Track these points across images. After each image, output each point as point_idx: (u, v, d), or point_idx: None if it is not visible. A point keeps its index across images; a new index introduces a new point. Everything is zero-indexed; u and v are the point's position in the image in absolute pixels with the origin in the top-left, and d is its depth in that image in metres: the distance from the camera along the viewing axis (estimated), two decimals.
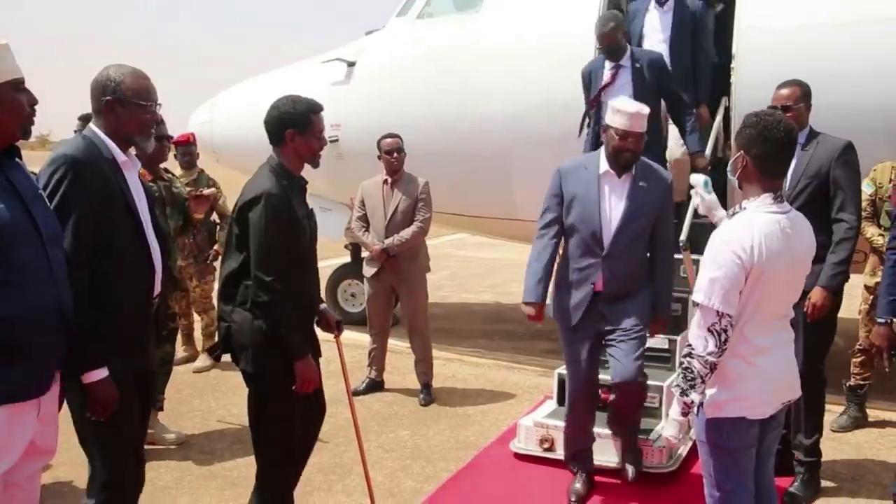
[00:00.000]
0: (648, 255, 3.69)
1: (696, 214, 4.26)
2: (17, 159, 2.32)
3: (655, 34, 5.21)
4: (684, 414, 2.55)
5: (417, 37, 6.53)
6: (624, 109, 3.47)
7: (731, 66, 5.03)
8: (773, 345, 2.54)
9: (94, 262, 2.53)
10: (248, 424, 3.16)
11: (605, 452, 4.04)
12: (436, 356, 5.75)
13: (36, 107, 2.34)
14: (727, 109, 5.00)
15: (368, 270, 5.46)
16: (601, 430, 4.03)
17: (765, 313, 2.49)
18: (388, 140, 5.29)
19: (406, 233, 5.25)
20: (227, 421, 4.94)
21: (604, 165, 3.59)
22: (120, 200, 2.63)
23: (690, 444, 4.26)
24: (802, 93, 3.75)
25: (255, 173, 3.12)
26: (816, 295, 3.58)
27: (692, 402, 2.51)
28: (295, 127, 3.05)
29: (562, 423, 4.02)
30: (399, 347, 6.04)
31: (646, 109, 3.55)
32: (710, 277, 2.44)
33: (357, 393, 5.28)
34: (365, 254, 5.47)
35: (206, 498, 3.90)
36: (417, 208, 5.31)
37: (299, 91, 3.28)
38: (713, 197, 3.10)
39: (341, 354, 3.47)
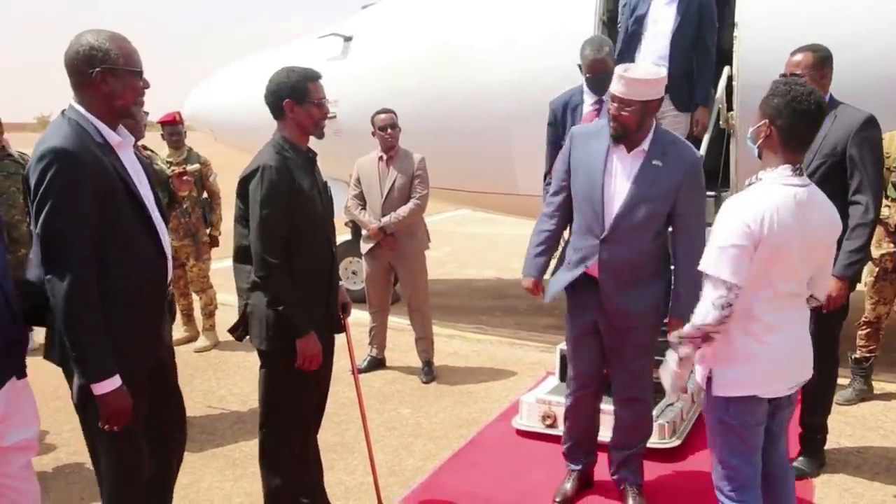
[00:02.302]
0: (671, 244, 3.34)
1: None
2: None
3: (656, 26, 4.87)
4: (678, 365, 2.53)
5: (414, 9, 6.46)
6: (623, 74, 3.09)
7: (734, 34, 4.95)
8: (785, 323, 2.50)
9: (102, 257, 2.37)
10: (259, 404, 3.17)
11: (603, 428, 3.95)
12: (437, 333, 5.75)
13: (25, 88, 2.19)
14: (730, 79, 4.92)
15: (365, 248, 5.44)
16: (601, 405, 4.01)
17: (776, 290, 2.45)
18: (382, 116, 5.23)
19: (403, 210, 5.21)
20: (228, 401, 4.95)
21: None
22: (120, 188, 2.43)
23: (694, 420, 4.27)
24: (817, 59, 3.49)
25: (260, 150, 3.09)
26: (832, 286, 3.36)
27: (686, 356, 2.50)
28: (292, 97, 3.01)
29: (563, 399, 3.92)
30: (400, 325, 6.04)
31: (655, 76, 3.13)
32: (718, 247, 2.40)
33: (359, 371, 5.28)
34: (364, 232, 5.45)
35: (208, 478, 3.92)
36: (414, 185, 5.26)
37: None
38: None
39: (348, 336, 3.46)
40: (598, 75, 4.13)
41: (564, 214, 3.45)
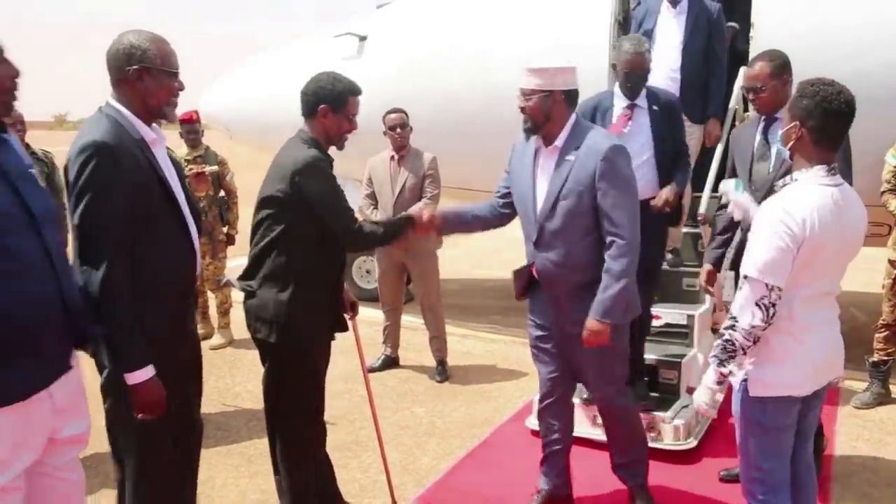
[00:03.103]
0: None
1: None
2: (3, 136, 2.18)
3: (667, 38, 4.78)
4: (719, 383, 2.51)
5: (428, 11, 6.45)
6: (524, 66, 3.04)
7: (750, 34, 4.91)
8: (819, 321, 2.50)
9: (137, 251, 2.41)
10: (265, 402, 3.18)
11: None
12: (451, 333, 5.75)
13: (17, 80, 2.17)
14: None
15: (378, 248, 5.44)
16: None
17: (812, 289, 2.44)
18: (392, 115, 5.22)
19: (413, 209, 5.18)
20: (243, 398, 4.97)
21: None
22: (155, 183, 2.49)
23: (708, 423, 4.24)
24: (774, 68, 3.42)
25: (286, 147, 3.09)
26: None
27: (729, 372, 2.48)
28: (330, 103, 3.03)
29: (578, 400, 3.96)
30: (414, 324, 6.04)
31: (548, 65, 3.01)
32: (761, 250, 2.38)
33: (372, 370, 5.31)
34: None
35: (224, 474, 3.94)
36: (425, 185, 5.25)
37: (311, 67, 3.25)
38: (745, 196, 3.02)
39: (357, 334, 3.46)
40: (635, 72, 3.91)
41: (501, 211, 3.40)
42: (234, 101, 7.67)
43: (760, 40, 4.76)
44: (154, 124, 2.57)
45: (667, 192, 3.93)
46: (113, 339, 2.38)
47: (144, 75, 2.47)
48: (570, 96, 3.06)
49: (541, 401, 3.47)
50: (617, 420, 3.39)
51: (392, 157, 5.30)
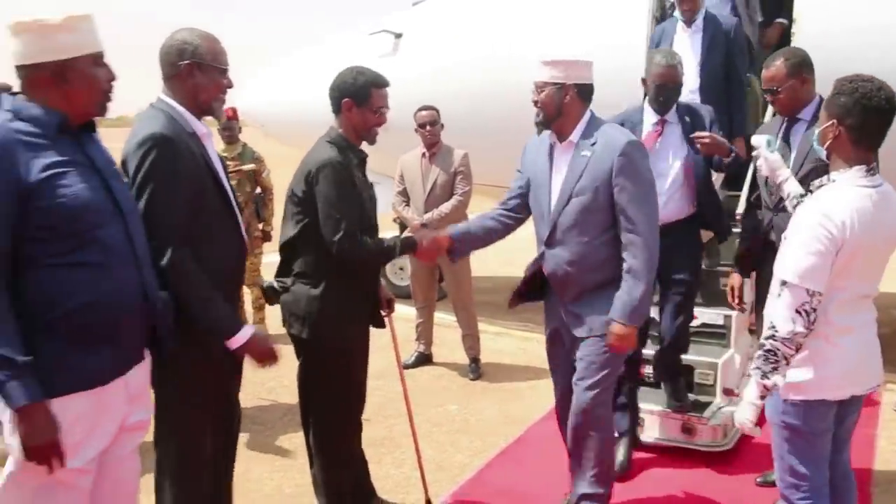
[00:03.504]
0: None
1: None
2: (93, 134, 2.28)
3: (683, 58, 4.51)
4: (762, 397, 2.44)
5: (464, 12, 6.44)
6: (540, 57, 3.00)
7: (791, 30, 4.82)
8: (856, 325, 2.44)
9: (194, 244, 2.47)
10: (299, 397, 3.21)
11: (654, 430, 4.02)
12: (484, 330, 5.74)
13: (113, 83, 2.28)
14: None
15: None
16: (651, 406, 4.01)
17: (850, 292, 2.39)
18: (423, 113, 5.23)
19: (445, 207, 5.19)
20: (277, 392, 5.02)
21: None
22: (208, 176, 2.56)
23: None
24: (790, 68, 3.31)
25: (313, 146, 3.11)
26: None
27: (774, 385, 2.40)
28: (353, 97, 3.04)
29: (660, 408, 4.03)
30: (447, 321, 6.04)
31: (562, 57, 2.98)
32: (800, 255, 2.32)
33: (406, 366, 5.31)
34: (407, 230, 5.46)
35: (259, 467, 3.97)
36: (456, 181, 5.25)
37: (345, 64, 3.23)
38: (776, 156, 2.99)
39: (393, 331, 3.47)
40: (667, 85, 3.72)
41: (508, 214, 3.31)
42: (269, 98, 7.72)
43: (802, 37, 4.66)
44: (204, 120, 2.65)
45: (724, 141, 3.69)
46: (203, 315, 2.48)
47: (195, 71, 2.54)
48: (584, 91, 3.00)
49: (560, 413, 3.31)
50: (587, 432, 3.09)
51: (423, 154, 5.31)
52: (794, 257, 2.35)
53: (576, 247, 3.00)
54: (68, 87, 2.15)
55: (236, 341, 2.53)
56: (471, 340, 5.48)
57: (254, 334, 2.58)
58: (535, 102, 3.01)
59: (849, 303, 2.40)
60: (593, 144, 2.95)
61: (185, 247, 2.43)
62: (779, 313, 2.37)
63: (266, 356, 2.65)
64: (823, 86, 2.57)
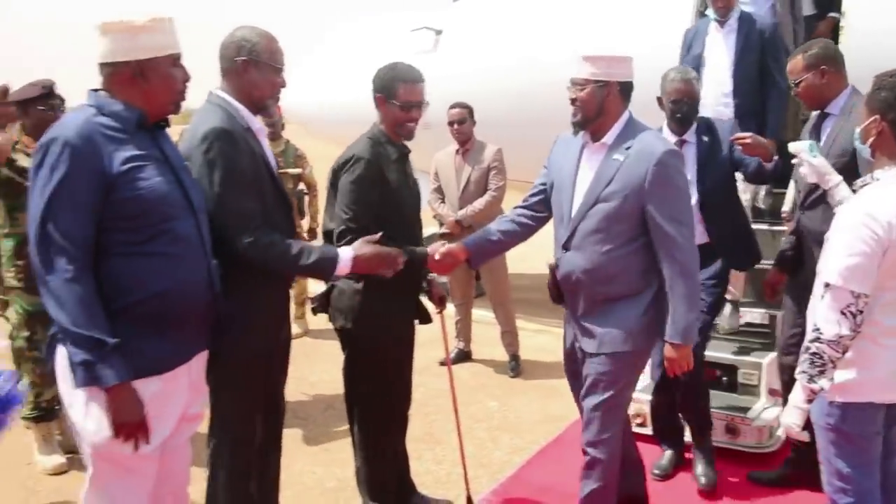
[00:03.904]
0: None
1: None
2: (165, 131, 2.37)
3: (716, 60, 4.48)
4: (809, 401, 2.39)
5: (505, 6, 6.41)
6: (579, 54, 2.81)
7: (840, 24, 4.71)
8: None
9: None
10: (344, 390, 3.24)
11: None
12: (523, 327, 5.72)
13: (188, 83, 2.36)
14: None
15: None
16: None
17: None
18: (453, 111, 5.23)
19: (479, 203, 5.18)
20: (319, 387, 5.06)
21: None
22: (264, 169, 2.62)
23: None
24: (808, 59, 3.24)
25: (356, 140, 3.13)
26: None
27: (820, 388, 2.35)
28: (383, 92, 3.05)
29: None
30: (486, 318, 6.03)
31: (607, 52, 2.78)
32: (844, 256, 2.27)
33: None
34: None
35: (301, 460, 4.01)
36: (490, 177, 5.23)
37: (385, 60, 3.21)
38: (820, 160, 2.87)
39: (444, 327, 3.48)
40: (683, 101, 3.52)
41: (533, 213, 3.13)
42: (311, 95, 7.76)
43: (851, 32, 4.55)
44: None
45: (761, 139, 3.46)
46: (304, 268, 2.61)
47: (251, 68, 2.58)
48: (626, 89, 2.80)
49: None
50: (592, 466, 2.97)
51: (457, 151, 5.32)
52: (837, 258, 2.30)
53: (593, 255, 2.78)
54: (147, 86, 2.23)
55: (344, 268, 2.65)
56: (509, 337, 5.46)
57: (355, 254, 2.67)
58: (573, 101, 2.79)
59: (894, 304, 2.34)
60: (628, 149, 2.74)
61: (259, 227, 2.50)
62: (823, 316, 2.32)
63: (379, 264, 2.73)
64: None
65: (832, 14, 5.02)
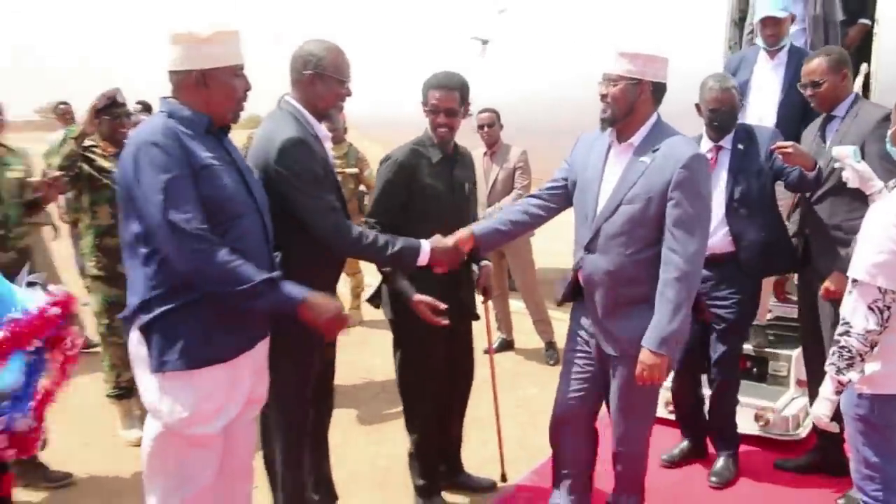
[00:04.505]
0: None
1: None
2: (228, 135, 2.41)
3: (762, 91, 4.23)
4: (838, 393, 2.36)
5: (546, 18, 6.36)
6: (614, 49, 2.63)
7: (874, 30, 4.56)
8: None
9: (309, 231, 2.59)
10: (396, 375, 3.30)
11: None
12: (559, 318, 5.67)
13: (248, 92, 2.38)
14: (867, 76, 4.51)
15: None
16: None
17: None
18: (482, 115, 5.26)
19: (505, 200, 5.20)
20: (372, 372, 5.14)
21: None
22: (330, 173, 2.68)
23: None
24: (831, 63, 3.21)
25: None
26: (834, 280, 3.06)
27: (849, 381, 2.31)
28: (422, 98, 3.10)
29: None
30: (523, 308, 6.01)
31: (647, 51, 2.60)
32: (872, 253, 2.24)
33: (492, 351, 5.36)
34: None
35: (354, 440, 4.09)
36: (515, 177, 5.27)
37: (434, 68, 3.23)
38: (865, 166, 2.79)
39: (487, 318, 3.50)
40: (721, 110, 3.41)
41: (545, 204, 2.94)
42: (367, 100, 7.80)
43: (884, 38, 4.41)
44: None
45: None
46: (388, 260, 2.73)
47: (317, 80, 2.63)
48: (659, 90, 2.63)
49: (555, 425, 2.96)
50: (624, 458, 2.88)
51: (485, 153, 5.37)
52: (865, 255, 2.26)
53: (616, 257, 2.63)
54: (209, 93, 2.25)
55: (423, 260, 2.73)
56: (542, 325, 5.47)
57: (432, 248, 2.75)
58: (604, 96, 2.63)
59: None
60: (655, 151, 2.58)
61: (346, 222, 2.61)
62: (852, 310, 2.29)
63: (448, 261, 2.81)
64: None
65: (863, 20, 4.85)
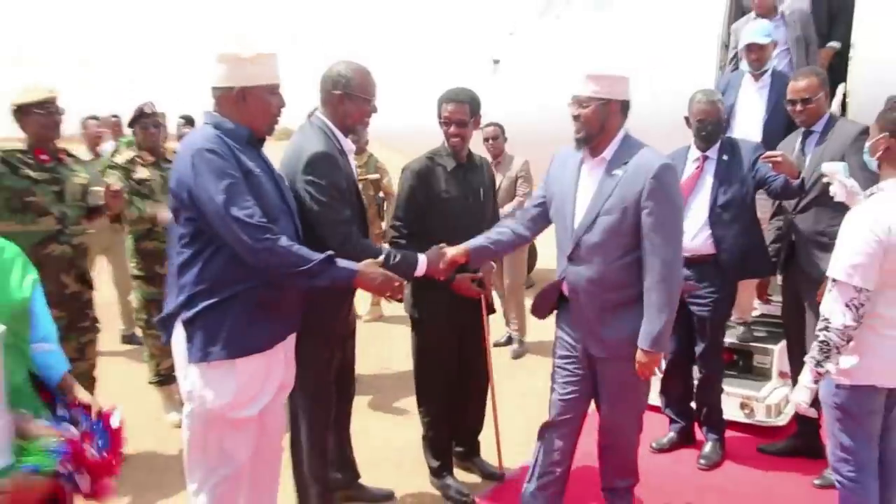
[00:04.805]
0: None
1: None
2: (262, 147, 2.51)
3: (748, 112, 4.32)
4: (816, 382, 2.48)
5: (552, 41, 6.53)
6: (582, 72, 2.68)
7: (850, 53, 4.71)
8: None
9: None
10: (413, 366, 3.44)
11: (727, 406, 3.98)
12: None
13: (283, 109, 2.48)
14: (844, 95, 4.60)
15: None
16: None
17: None
18: (487, 128, 5.45)
19: (507, 207, 5.33)
20: (391, 362, 5.28)
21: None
22: (352, 183, 2.79)
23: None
24: (820, 82, 3.36)
25: None
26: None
27: (826, 371, 2.44)
28: (437, 111, 3.26)
29: None
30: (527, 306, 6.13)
31: (612, 72, 2.66)
32: (849, 255, 2.35)
33: (497, 344, 5.59)
34: None
35: (374, 425, 4.23)
36: (518, 184, 5.44)
37: (450, 84, 3.36)
38: (854, 182, 2.81)
39: (483, 312, 3.43)
40: (708, 121, 3.55)
41: (529, 224, 3.00)
42: (391, 113, 7.93)
43: (859, 61, 4.51)
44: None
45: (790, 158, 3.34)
46: (398, 265, 2.74)
47: (345, 99, 2.75)
48: (625, 107, 2.70)
49: (549, 423, 2.97)
50: (614, 450, 2.95)
51: (490, 163, 5.46)
52: (842, 257, 2.37)
53: (598, 265, 2.67)
54: (247, 108, 2.36)
55: (420, 271, 2.82)
56: (519, 322, 5.65)
57: (428, 261, 2.84)
58: (577, 117, 2.67)
59: None
60: (625, 164, 2.64)
61: (354, 233, 2.71)
62: (830, 308, 2.40)
63: (442, 272, 2.87)
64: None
65: (831, 44, 4.96)
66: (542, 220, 2.97)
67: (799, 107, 3.39)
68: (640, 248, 2.63)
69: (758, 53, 4.29)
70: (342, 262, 2.41)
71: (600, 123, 2.66)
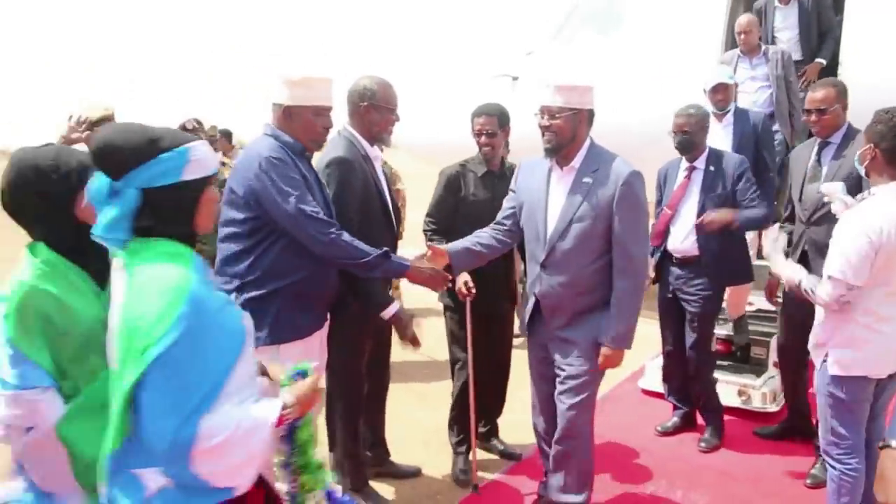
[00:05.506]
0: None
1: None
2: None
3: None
4: (798, 289, 2.57)
5: (567, 57, 6.57)
6: (550, 83, 2.57)
7: (838, 71, 4.69)
8: (895, 315, 2.45)
9: (361, 237, 2.55)
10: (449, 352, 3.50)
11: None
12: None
13: (330, 129, 2.54)
14: None
15: None
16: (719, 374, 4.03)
17: (890, 286, 2.41)
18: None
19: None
20: (424, 349, 5.27)
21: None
22: (374, 188, 2.82)
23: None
24: (837, 93, 3.17)
25: None
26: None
27: (806, 290, 2.52)
28: (470, 124, 3.34)
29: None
30: None
31: (579, 83, 2.57)
32: (844, 255, 2.37)
33: (517, 336, 5.53)
34: None
35: (403, 407, 4.19)
36: None
37: (473, 101, 3.46)
38: (852, 199, 2.67)
39: (468, 309, 3.27)
40: (681, 133, 3.52)
41: (507, 233, 2.87)
42: (414, 129, 7.97)
43: (847, 79, 4.51)
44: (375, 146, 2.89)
45: (717, 214, 3.39)
46: (365, 291, 2.72)
47: (371, 110, 2.80)
48: (592, 116, 2.63)
49: (534, 425, 2.98)
50: (568, 442, 2.73)
51: None
52: (838, 256, 2.39)
53: (572, 269, 2.61)
54: (292, 124, 2.45)
55: (387, 312, 2.71)
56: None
57: (398, 310, 2.71)
58: (547, 128, 2.57)
59: (889, 295, 2.42)
60: (595, 171, 2.57)
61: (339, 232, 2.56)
62: (820, 291, 2.45)
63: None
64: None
65: (818, 59, 4.93)
66: (517, 229, 2.85)
67: (814, 117, 3.21)
68: (609, 253, 2.59)
69: (723, 94, 4.17)
70: (397, 259, 2.55)
71: (572, 133, 2.59)
